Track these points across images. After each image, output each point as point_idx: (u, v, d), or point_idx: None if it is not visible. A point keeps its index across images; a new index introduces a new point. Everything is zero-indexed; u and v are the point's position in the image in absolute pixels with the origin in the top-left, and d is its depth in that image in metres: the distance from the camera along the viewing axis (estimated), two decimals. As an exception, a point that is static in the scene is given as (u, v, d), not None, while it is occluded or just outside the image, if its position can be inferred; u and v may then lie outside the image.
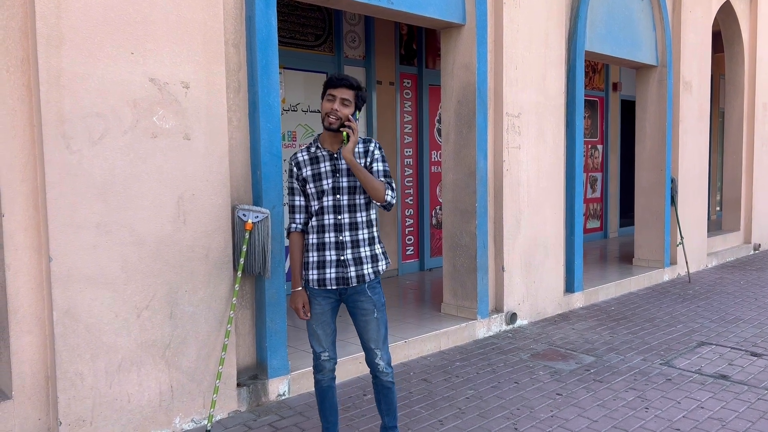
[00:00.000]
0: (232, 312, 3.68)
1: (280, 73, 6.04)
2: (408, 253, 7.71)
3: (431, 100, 7.74)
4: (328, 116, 2.90)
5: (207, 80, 3.60)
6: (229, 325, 3.67)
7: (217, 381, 3.62)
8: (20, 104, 3.07)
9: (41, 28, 3.01)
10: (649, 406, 3.86)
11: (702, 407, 3.84)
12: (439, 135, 7.80)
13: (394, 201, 2.99)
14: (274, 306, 3.95)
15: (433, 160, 7.84)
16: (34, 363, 3.16)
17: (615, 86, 10.91)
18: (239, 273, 3.72)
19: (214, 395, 3.60)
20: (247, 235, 3.73)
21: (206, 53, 3.59)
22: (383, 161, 3.02)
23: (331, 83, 2.92)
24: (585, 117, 10.20)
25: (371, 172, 2.98)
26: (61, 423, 3.13)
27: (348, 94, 2.90)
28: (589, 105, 10.36)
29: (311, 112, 6.56)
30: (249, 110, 3.90)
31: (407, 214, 7.66)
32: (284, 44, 6.21)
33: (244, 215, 3.77)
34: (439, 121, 7.80)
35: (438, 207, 7.89)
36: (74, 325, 3.15)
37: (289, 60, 6.26)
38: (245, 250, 3.73)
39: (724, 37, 9.56)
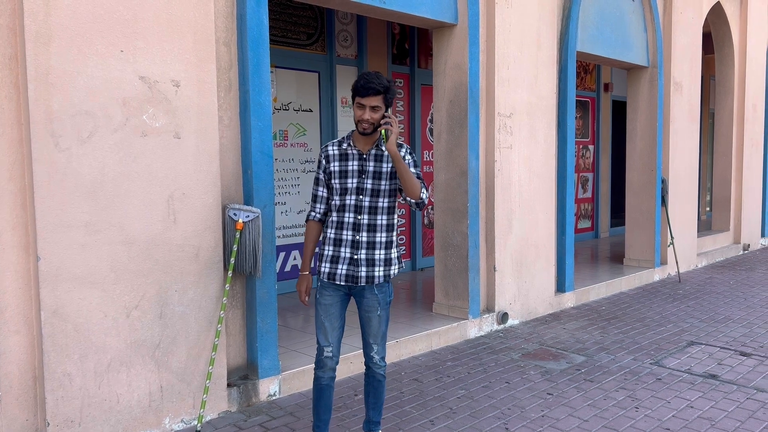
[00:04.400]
0: (222, 312, 3.66)
1: (272, 71, 6.02)
2: (400, 252, 7.69)
3: (423, 99, 7.74)
4: (361, 123, 2.93)
5: (198, 79, 3.58)
6: (219, 325, 3.65)
7: (207, 381, 3.60)
8: (8, 102, 3.04)
9: (29, 25, 2.98)
10: (640, 406, 3.87)
11: (692, 407, 3.86)
12: (432, 135, 7.80)
13: (427, 200, 3.05)
14: (265, 306, 3.93)
15: (425, 159, 7.84)
16: (21, 363, 3.13)
17: (606, 87, 10.96)
18: (230, 272, 3.70)
19: (204, 395, 3.58)
20: (237, 235, 3.71)
21: (197, 52, 3.57)
22: (415, 166, 3.06)
23: (358, 92, 2.90)
24: (576, 117, 10.23)
25: None
26: (48, 424, 3.10)
27: (376, 100, 2.89)
28: (581, 105, 10.40)
29: (303, 111, 6.55)
30: (240, 109, 3.88)
31: (399, 213, 7.66)
32: (276, 43, 6.18)
33: (235, 214, 3.75)
34: (431, 121, 7.80)
35: (430, 207, 7.89)
36: (62, 325, 3.12)
37: (281, 59, 6.24)
38: (236, 249, 3.71)
39: (715, 39, 9.62)
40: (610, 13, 6.83)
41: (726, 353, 4.89)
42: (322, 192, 3.11)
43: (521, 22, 5.67)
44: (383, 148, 3.02)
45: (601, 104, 10.89)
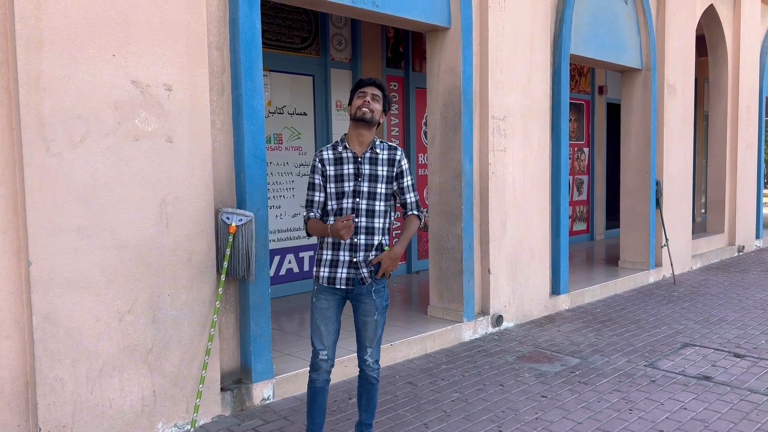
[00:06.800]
0: (215, 316, 3.66)
1: (266, 75, 6.02)
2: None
3: (418, 103, 7.75)
4: (361, 108, 2.98)
5: (190, 82, 3.57)
6: (212, 329, 3.64)
7: (201, 385, 3.59)
8: (-1, 106, 3.04)
9: (21, 30, 2.97)
10: (633, 408, 3.87)
11: (685, 408, 3.86)
12: (426, 138, 7.81)
13: (423, 216, 3.22)
14: (258, 309, 3.92)
15: (420, 162, 7.85)
16: (13, 368, 3.12)
17: (601, 89, 10.99)
18: (223, 276, 3.70)
19: (198, 400, 3.57)
20: (230, 239, 3.71)
21: (189, 55, 3.56)
22: (409, 173, 3.17)
23: (361, 83, 3.07)
24: (571, 120, 10.25)
25: (400, 186, 3.12)
26: (41, 429, 3.09)
27: (377, 91, 3.04)
28: (575, 108, 10.42)
29: (297, 114, 6.55)
30: (233, 113, 3.88)
31: (394, 217, 7.65)
32: (270, 47, 6.19)
33: (228, 218, 3.74)
34: (426, 124, 7.81)
35: (425, 210, 7.89)
36: (54, 329, 3.11)
37: (275, 62, 6.24)
38: (229, 253, 3.71)
39: (708, 41, 9.66)
40: (603, 16, 6.85)
41: (720, 355, 4.89)
42: (319, 197, 3.10)
43: (514, 25, 5.69)
44: (378, 151, 3.06)
45: (595, 107, 10.92)
